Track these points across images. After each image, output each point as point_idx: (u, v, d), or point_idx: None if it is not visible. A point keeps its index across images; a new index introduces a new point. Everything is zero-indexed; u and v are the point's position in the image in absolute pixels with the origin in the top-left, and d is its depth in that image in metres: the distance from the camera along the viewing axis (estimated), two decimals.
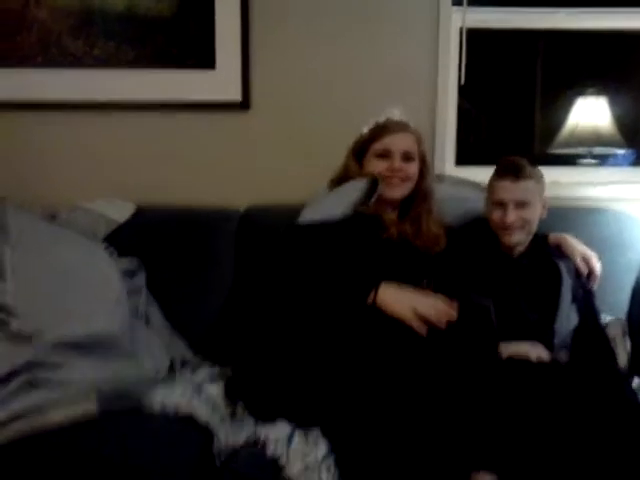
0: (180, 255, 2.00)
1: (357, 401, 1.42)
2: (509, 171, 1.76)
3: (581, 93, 2.76)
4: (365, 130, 1.85)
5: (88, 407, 1.49)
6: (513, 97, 2.78)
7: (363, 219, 1.71)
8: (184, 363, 1.85)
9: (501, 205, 1.77)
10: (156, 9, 2.20)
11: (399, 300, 1.54)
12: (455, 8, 2.22)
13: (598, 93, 2.74)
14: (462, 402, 1.39)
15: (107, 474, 1.37)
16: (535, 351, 1.65)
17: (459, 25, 2.24)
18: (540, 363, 1.64)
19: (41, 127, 2.24)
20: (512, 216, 1.75)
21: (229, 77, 2.21)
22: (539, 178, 1.80)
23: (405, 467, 1.33)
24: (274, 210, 2.08)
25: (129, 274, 1.88)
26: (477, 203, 1.92)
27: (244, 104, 2.22)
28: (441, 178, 2.13)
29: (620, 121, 2.72)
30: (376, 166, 1.79)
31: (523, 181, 1.75)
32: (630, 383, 1.63)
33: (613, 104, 2.73)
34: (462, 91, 2.29)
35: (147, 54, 2.22)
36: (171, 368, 1.81)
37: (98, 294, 1.70)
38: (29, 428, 1.41)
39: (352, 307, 1.55)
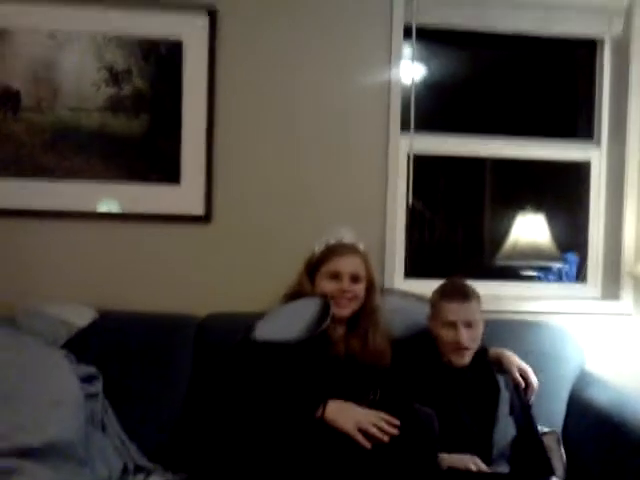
0: (138, 361, 2.06)
1: None
2: (457, 293, 1.91)
3: (521, 210, 2.99)
4: (317, 249, 2.00)
5: None
6: (463, 215, 3.02)
7: (313, 336, 1.82)
8: (138, 469, 1.88)
9: (452, 325, 1.89)
10: (128, 128, 2.37)
11: (344, 416, 1.63)
12: (402, 135, 2.44)
13: (536, 210, 2.98)
14: None
15: None
16: (474, 463, 1.73)
17: (406, 151, 2.46)
18: (481, 473, 1.73)
19: (8, 233, 2.34)
20: (464, 336, 1.87)
21: (193, 192, 2.37)
22: (479, 297, 1.95)
23: None
24: (232, 319, 2.17)
25: (87, 380, 1.92)
26: (423, 315, 2.05)
27: (206, 217, 2.37)
28: (390, 291, 2.27)
29: (557, 238, 2.95)
30: (326, 286, 1.92)
31: (469, 302, 1.89)
32: None
33: (550, 221, 2.96)
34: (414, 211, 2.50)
35: (116, 168, 2.37)
36: (124, 473, 1.84)
37: (55, 401, 1.74)
38: None
39: (302, 421, 1.64)
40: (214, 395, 1.84)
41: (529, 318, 2.38)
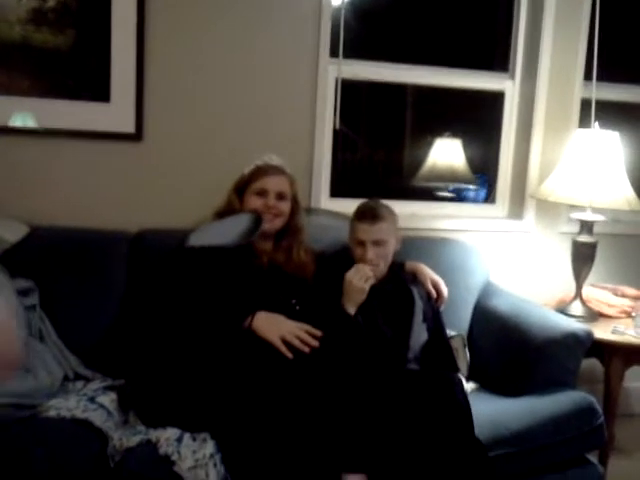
0: (73, 275, 2.13)
1: (239, 407, 1.65)
2: (368, 214, 2.07)
3: (440, 135, 3.17)
4: (246, 171, 2.12)
5: None
6: (385, 139, 3.18)
7: (236, 250, 1.95)
8: (77, 376, 1.99)
9: (361, 244, 2.06)
10: (53, 42, 2.33)
11: (270, 327, 1.81)
12: (331, 60, 2.52)
13: (454, 136, 3.17)
14: (331, 407, 1.65)
15: (7, 476, 1.50)
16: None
17: (335, 76, 2.55)
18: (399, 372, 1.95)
19: None
20: (370, 254, 2.04)
21: (123, 110, 2.38)
22: (393, 218, 2.11)
23: (281, 465, 1.57)
24: (163, 234, 2.26)
25: (23, 293, 1.98)
26: (346, 233, 2.20)
27: (137, 136, 2.39)
28: (316, 210, 2.42)
29: (471, 162, 3.15)
30: (254, 202, 2.06)
31: (378, 223, 2.05)
32: (463, 388, 1.96)
33: (466, 146, 3.16)
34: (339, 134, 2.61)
35: (40, 84, 2.33)
36: (65, 381, 1.94)
37: None
38: None
39: (230, 329, 1.81)
40: (148, 301, 1.97)
41: (443, 235, 2.60)
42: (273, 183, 2.07)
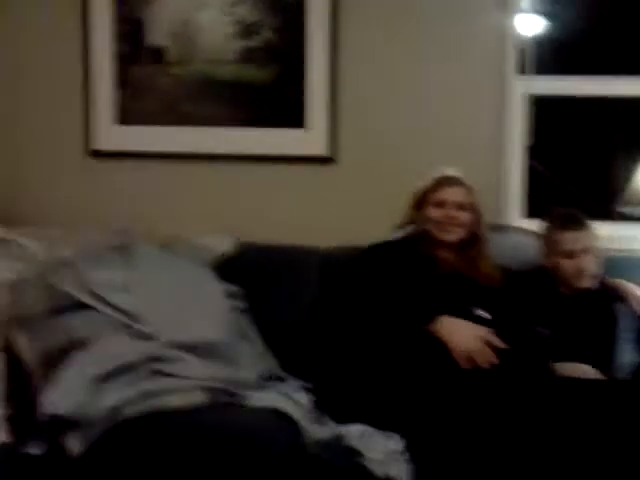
0: (272, 284, 2.31)
1: (425, 408, 1.66)
2: (572, 222, 1.98)
3: None
4: (423, 183, 2.15)
5: (196, 398, 1.78)
6: (584, 157, 3.04)
7: (419, 259, 1.99)
8: (274, 377, 2.12)
9: (570, 255, 1.96)
10: (258, 77, 2.59)
11: (452, 335, 1.80)
12: (519, 77, 2.50)
13: None
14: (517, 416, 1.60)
15: (209, 452, 1.64)
16: (591, 372, 1.83)
17: (523, 92, 2.52)
18: (597, 380, 1.81)
19: (155, 174, 2.65)
20: (585, 263, 1.94)
21: (317, 135, 2.56)
22: (591, 225, 2.01)
23: (470, 466, 1.55)
24: (352, 250, 2.33)
25: (231, 296, 2.19)
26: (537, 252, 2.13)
27: (330, 159, 2.56)
28: (505, 228, 2.37)
29: None
30: (433, 213, 2.08)
31: (585, 229, 1.96)
32: None
33: None
34: (535, 152, 2.57)
35: (247, 114, 2.60)
36: (263, 380, 2.08)
37: (205, 308, 2.02)
38: (148, 408, 1.70)
39: (414, 331, 1.84)
40: (336, 307, 2.07)
41: None
42: (452, 193, 2.08)
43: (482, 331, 1.81)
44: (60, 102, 2.70)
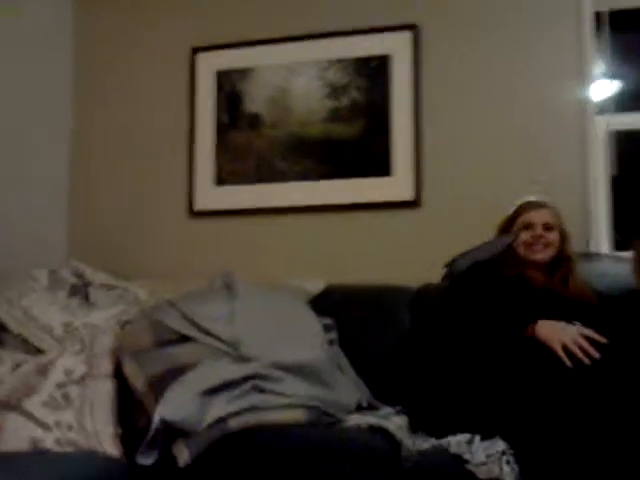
0: (363, 319, 2.39)
1: (526, 410, 1.65)
2: None
3: None
4: (509, 211, 2.23)
5: (297, 415, 1.84)
6: None
7: (509, 278, 2.03)
8: (369, 406, 2.15)
9: None
10: (346, 133, 2.79)
11: (552, 333, 1.82)
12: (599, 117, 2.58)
13: None
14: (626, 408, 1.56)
15: (310, 464, 1.69)
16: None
17: (604, 129, 2.59)
18: None
19: (250, 228, 2.85)
20: None
21: (403, 182, 2.70)
22: None
23: (574, 465, 1.51)
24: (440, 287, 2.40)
25: (326, 328, 2.27)
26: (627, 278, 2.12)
27: (415, 202, 2.68)
28: (597, 256, 2.37)
29: None
30: (521, 236, 2.13)
31: None
32: None
33: None
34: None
35: (337, 167, 2.79)
36: (359, 408, 2.12)
37: (303, 336, 2.11)
38: (252, 421, 1.77)
39: (513, 337, 1.86)
40: (428, 330, 2.12)
41: None
42: (538, 216, 2.15)
43: (580, 328, 1.83)
44: (165, 167, 2.99)
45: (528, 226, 2.14)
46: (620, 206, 2.62)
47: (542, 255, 2.11)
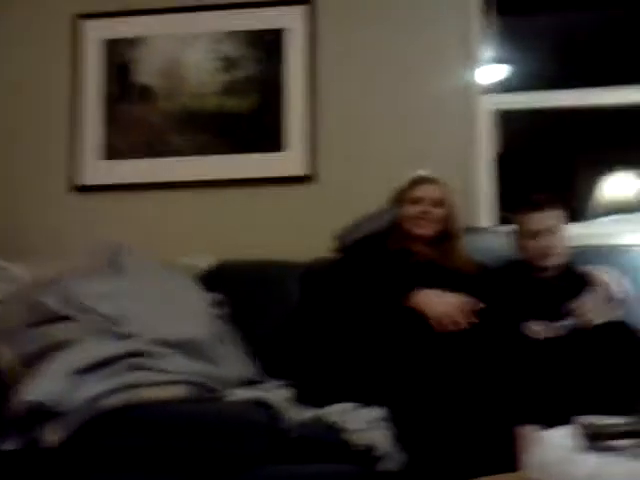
0: (253, 294, 2.37)
1: (405, 376, 1.69)
2: (535, 204, 2.06)
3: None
4: (400, 184, 2.25)
5: (177, 391, 1.79)
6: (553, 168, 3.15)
7: (393, 252, 2.05)
8: (253, 381, 2.13)
9: (535, 235, 2.03)
10: (239, 107, 2.74)
11: (426, 301, 1.87)
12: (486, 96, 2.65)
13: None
14: (497, 367, 1.62)
15: (188, 439, 1.65)
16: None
17: (489, 108, 2.67)
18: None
19: (141, 203, 2.75)
20: (549, 241, 2.01)
21: (296, 157, 2.68)
22: (560, 210, 2.08)
23: (452, 426, 1.57)
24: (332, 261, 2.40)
25: (217, 304, 2.24)
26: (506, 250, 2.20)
27: (310, 178, 2.67)
28: (475, 229, 2.45)
29: None
30: (408, 210, 2.16)
31: (548, 210, 2.04)
32: None
33: None
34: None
35: (230, 143, 2.73)
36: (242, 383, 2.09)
37: (188, 312, 2.07)
38: (130, 398, 1.71)
39: (392, 306, 1.90)
40: (316, 306, 2.12)
41: None
42: (427, 190, 2.17)
43: (456, 297, 1.88)
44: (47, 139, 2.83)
45: (417, 200, 2.15)
46: (506, 183, 2.71)
47: (426, 230, 2.13)
